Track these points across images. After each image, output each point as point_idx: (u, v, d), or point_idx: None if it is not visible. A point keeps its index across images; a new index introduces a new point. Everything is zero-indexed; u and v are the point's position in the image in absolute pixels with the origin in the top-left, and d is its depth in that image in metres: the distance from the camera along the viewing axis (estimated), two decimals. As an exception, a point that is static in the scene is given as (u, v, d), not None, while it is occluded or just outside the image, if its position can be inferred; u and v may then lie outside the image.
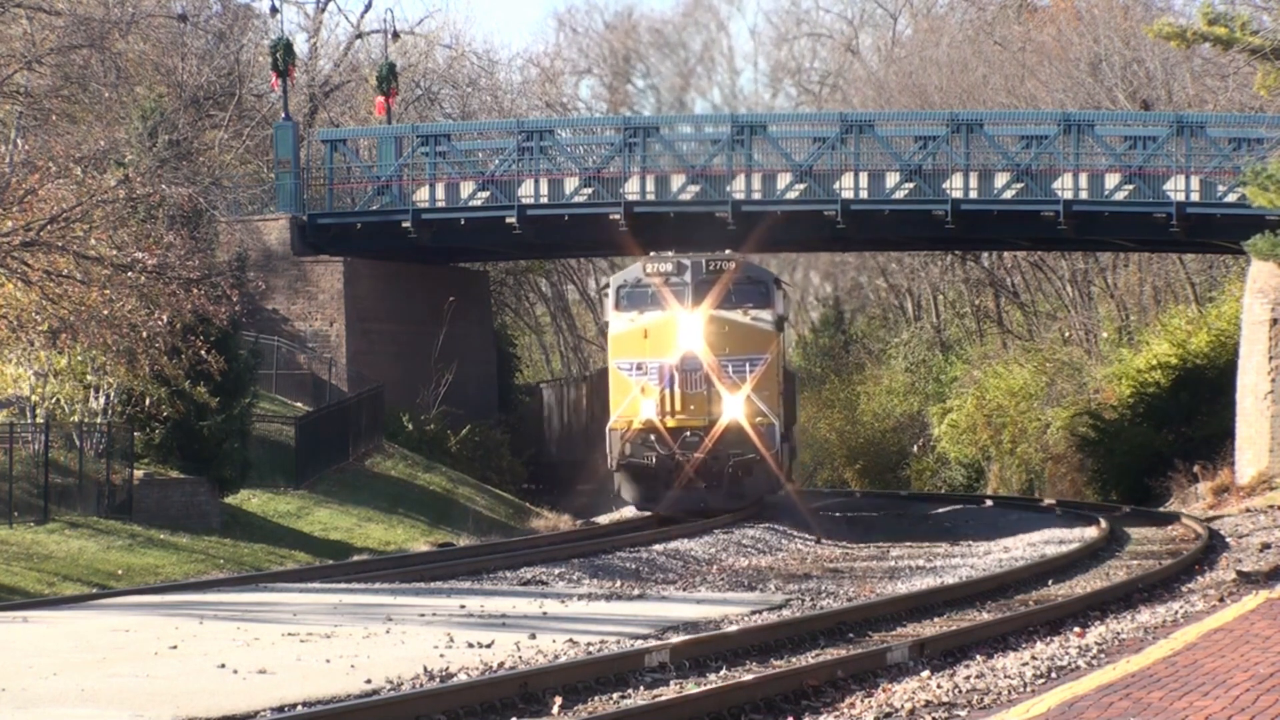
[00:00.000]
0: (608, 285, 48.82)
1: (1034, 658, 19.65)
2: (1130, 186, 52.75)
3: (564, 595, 27.85)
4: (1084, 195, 52.93)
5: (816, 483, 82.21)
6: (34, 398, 41.42)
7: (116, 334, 36.48)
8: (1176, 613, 24.29)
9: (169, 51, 66.23)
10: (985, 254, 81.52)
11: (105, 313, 35.89)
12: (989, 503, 61.17)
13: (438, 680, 18.32)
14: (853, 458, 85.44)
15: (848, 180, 54.60)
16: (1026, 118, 61.29)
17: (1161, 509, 52.82)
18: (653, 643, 20.38)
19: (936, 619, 24.86)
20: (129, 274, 36.55)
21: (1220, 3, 39.47)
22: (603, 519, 51.57)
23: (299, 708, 16.63)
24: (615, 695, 17.79)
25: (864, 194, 54.53)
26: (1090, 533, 42.08)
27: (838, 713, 16.99)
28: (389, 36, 72.65)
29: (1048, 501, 59.35)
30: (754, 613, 25.36)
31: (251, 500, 47.74)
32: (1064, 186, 52.96)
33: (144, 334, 36.91)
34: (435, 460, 57.22)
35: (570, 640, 21.35)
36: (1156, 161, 52.33)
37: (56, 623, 24.53)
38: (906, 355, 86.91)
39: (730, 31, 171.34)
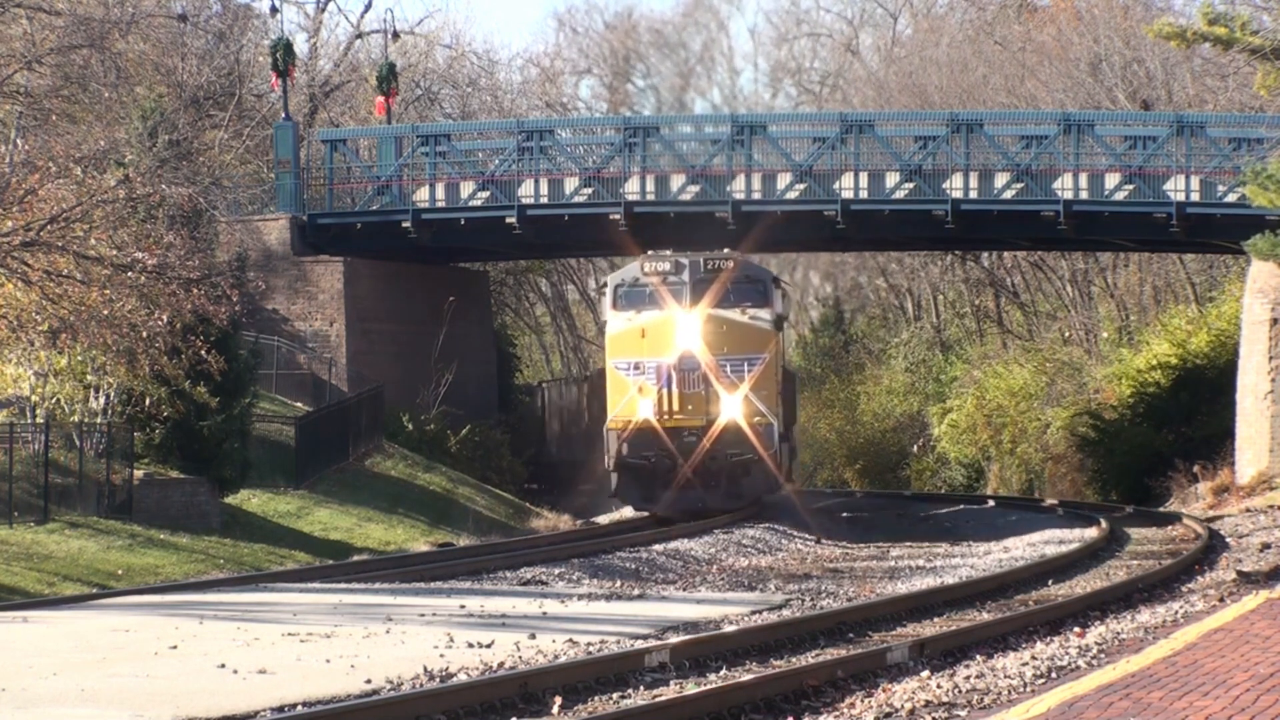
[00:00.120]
0: (605, 284, 48.70)
1: (1034, 658, 19.65)
2: (1130, 186, 52.75)
3: (564, 595, 27.84)
4: (1084, 195, 52.93)
5: (816, 483, 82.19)
6: (34, 398, 41.42)
7: (116, 334, 36.48)
8: (1176, 613, 24.29)
9: (169, 51, 66.23)
10: (985, 254, 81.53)
11: (105, 313, 35.89)
12: (991, 503, 61.13)
13: (438, 680, 18.32)
14: (853, 458, 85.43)
15: (848, 180, 54.59)
16: (1026, 118, 61.29)
17: (1162, 509, 52.81)
18: (653, 643, 20.38)
19: (936, 619, 24.85)
20: (129, 274, 36.55)
21: (1220, 3, 39.47)
22: (603, 519, 51.56)
23: (299, 708, 16.62)
24: (615, 695, 17.79)
25: (864, 194, 54.52)
26: (1090, 533, 42.07)
27: (838, 713, 16.99)
28: (389, 36, 72.66)
29: (1050, 501, 59.34)
30: (754, 613, 25.36)
31: (251, 500, 47.74)
32: (1064, 186, 52.96)
33: (144, 334, 36.91)
34: (435, 460, 57.21)
35: (570, 640, 21.35)
36: (1156, 161, 52.33)
37: (56, 623, 24.53)
38: (906, 355, 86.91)
39: (730, 31, 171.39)
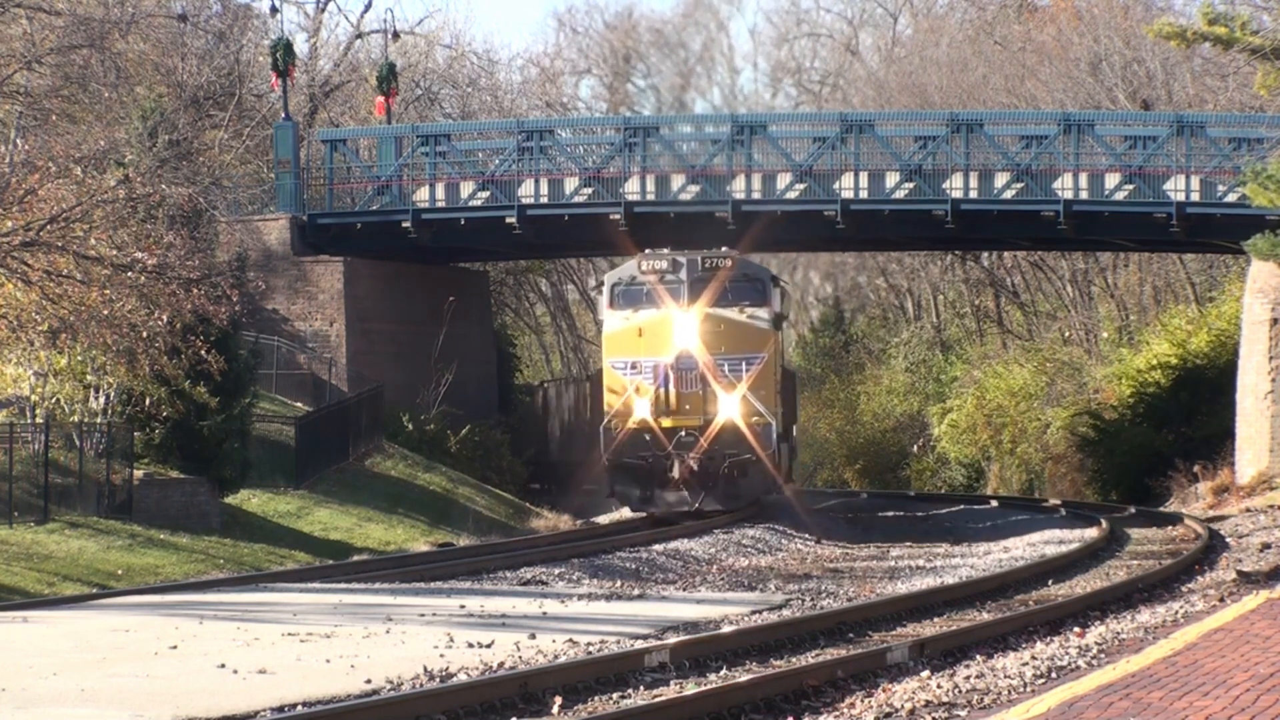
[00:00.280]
0: (602, 283, 48.55)
1: (1034, 658, 19.65)
2: (1130, 186, 52.74)
3: (564, 595, 27.84)
4: (1084, 195, 52.92)
5: (816, 482, 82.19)
6: (34, 398, 41.41)
7: (116, 334, 36.47)
8: (1176, 613, 24.29)
9: (169, 51, 66.22)
10: (985, 254, 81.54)
11: (105, 313, 35.87)
12: (994, 503, 61.09)
13: (438, 680, 18.32)
14: (853, 458, 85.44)
15: (848, 180, 54.57)
16: (1026, 118, 61.29)
17: (1162, 509, 52.81)
18: (653, 643, 20.38)
19: (936, 619, 24.85)
20: (129, 274, 36.54)
21: (1220, 3, 39.45)
22: (603, 519, 51.52)
23: (299, 708, 16.63)
24: (615, 695, 17.79)
25: (864, 194, 54.51)
26: (1090, 533, 42.07)
27: (838, 713, 16.99)
28: (389, 36, 72.66)
29: (1053, 501, 59.30)
30: (754, 613, 25.36)
31: (251, 500, 47.73)
32: (1064, 186, 52.95)
33: (144, 334, 36.89)
34: (435, 460, 57.21)
35: (570, 640, 21.35)
36: (1156, 161, 52.32)
37: (56, 623, 24.53)
38: (906, 355, 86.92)
39: (730, 31, 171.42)
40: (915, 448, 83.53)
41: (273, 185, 60.80)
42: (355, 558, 40.93)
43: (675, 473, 45.26)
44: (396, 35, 73.80)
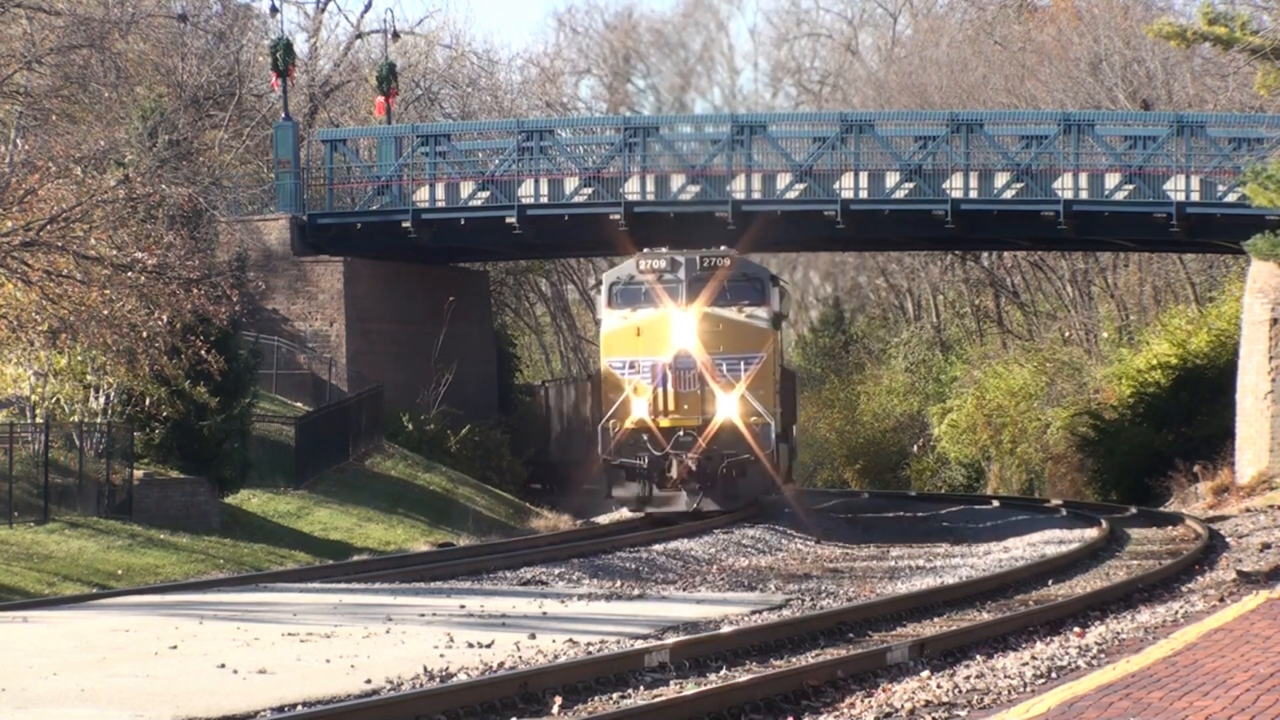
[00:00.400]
0: (600, 282, 48.41)
1: (1034, 658, 19.65)
2: (1130, 186, 52.74)
3: (564, 595, 27.85)
4: (1084, 195, 52.92)
5: (816, 482, 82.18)
6: (34, 398, 41.40)
7: (116, 334, 36.46)
8: (1176, 613, 24.29)
9: (169, 51, 66.21)
10: (985, 254, 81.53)
11: (105, 313, 35.87)
12: (995, 503, 61.06)
13: (438, 680, 18.32)
14: (853, 458, 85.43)
15: (848, 180, 54.56)
16: (1026, 118, 61.29)
17: (1162, 509, 52.81)
18: (653, 643, 20.38)
19: (936, 619, 24.86)
20: (129, 274, 36.53)
21: (1220, 2, 39.44)
22: (603, 519, 51.48)
23: (299, 708, 16.63)
24: (615, 695, 17.79)
25: (864, 194, 54.50)
26: (1090, 533, 42.06)
27: (838, 713, 16.99)
28: (389, 36, 72.65)
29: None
30: (754, 613, 25.37)
31: (251, 500, 47.73)
32: (1064, 186, 52.95)
33: (144, 334, 36.89)
34: (435, 460, 57.20)
35: (570, 640, 21.35)
36: (1156, 161, 52.32)
37: (56, 623, 24.53)
38: (906, 355, 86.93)
39: (730, 31, 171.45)
40: (915, 448, 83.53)
41: (273, 185, 60.79)
42: (355, 558, 40.93)
43: (673, 473, 45.08)
44: (396, 35, 73.80)
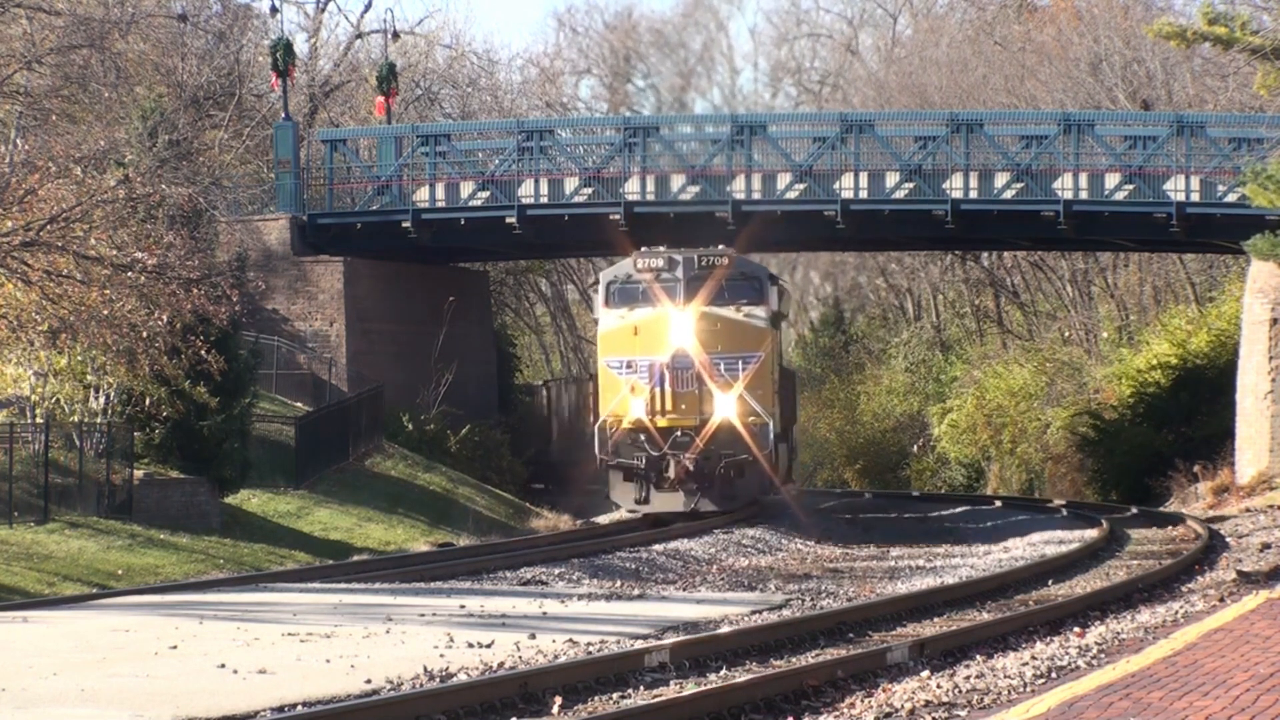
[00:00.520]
0: (597, 281, 48.19)
1: (1034, 658, 19.65)
2: (1130, 186, 52.74)
3: (564, 595, 27.84)
4: (1084, 195, 52.92)
5: (816, 483, 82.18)
6: (34, 398, 41.41)
7: (116, 334, 36.46)
8: (1176, 613, 24.29)
9: (169, 51, 66.21)
10: (985, 254, 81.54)
11: (105, 313, 35.87)
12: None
13: (438, 680, 18.32)
14: (853, 458, 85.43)
15: (848, 180, 54.56)
16: (1026, 118, 61.30)
17: (1162, 509, 52.81)
18: (653, 643, 20.38)
19: (936, 619, 24.85)
20: (129, 274, 36.53)
21: (1220, 3, 39.44)
22: (603, 519, 51.44)
23: (299, 708, 16.63)
24: (615, 695, 17.79)
25: (864, 194, 54.50)
26: (1090, 533, 42.06)
27: (838, 713, 16.99)
28: (389, 36, 72.65)
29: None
30: (754, 613, 25.36)
31: (251, 500, 47.73)
32: (1064, 186, 52.95)
33: (144, 334, 36.89)
34: (435, 460, 57.20)
35: (570, 640, 21.35)
36: (1156, 161, 52.33)
37: (56, 623, 24.53)
38: (906, 355, 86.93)
39: (730, 31, 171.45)
40: (915, 448, 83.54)
41: (273, 185, 60.80)
42: (355, 558, 40.93)
43: (671, 473, 44.81)
44: (396, 35, 73.80)
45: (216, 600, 27.40)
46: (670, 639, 20.81)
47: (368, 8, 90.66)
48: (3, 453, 39.03)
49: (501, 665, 19.32)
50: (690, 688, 17.91)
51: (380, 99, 64.01)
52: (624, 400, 45.12)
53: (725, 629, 22.55)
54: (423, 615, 24.38)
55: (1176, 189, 51.82)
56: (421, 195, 58.26)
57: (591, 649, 20.70)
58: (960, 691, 17.53)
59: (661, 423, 44.95)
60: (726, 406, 44.92)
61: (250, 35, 73.65)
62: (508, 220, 56.74)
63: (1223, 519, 45.70)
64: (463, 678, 18.38)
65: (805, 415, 77.44)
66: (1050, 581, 30.47)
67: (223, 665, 19.41)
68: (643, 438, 44.93)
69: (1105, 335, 74.68)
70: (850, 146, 54.82)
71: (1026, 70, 79.16)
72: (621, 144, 56.42)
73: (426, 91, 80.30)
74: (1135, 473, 61.47)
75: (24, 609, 27.15)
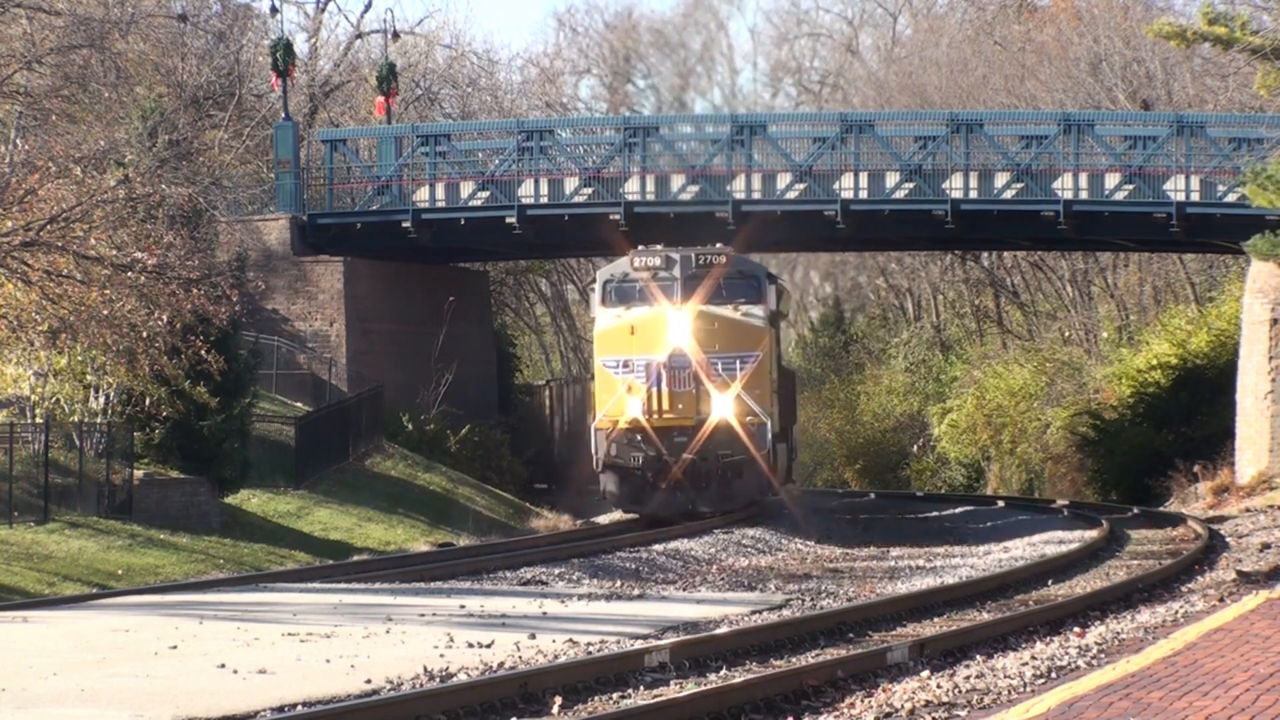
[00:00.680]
0: (594, 280, 47.97)
1: (1034, 658, 19.65)
2: (1130, 186, 52.74)
3: (564, 595, 27.85)
4: (1084, 195, 52.92)
5: (817, 483, 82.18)
6: (34, 398, 41.41)
7: (116, 334, 36.46)
8: (1176, 613, 24.29)
9: (169, 51, 66.20)
10: (985, 254, 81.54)
11: (105, 313, 35.87)
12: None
13: (438, 680, 18.32)
14: (853, 458, 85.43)
15: (848, 180, 54.55)
16: (1026, 118, 61.29)
17: (1163, 509, 52.81)
18: (653, 643, 20.38)
19: (936, 619, 24.85)
20: (129, 274, 36.53)
21: (1220, 3, 39.44)
22: (603, 519, 51.42)
23: (299, 708, 16.63)
24: (615, 695, 17.80)
25: (864, 194, 54.49)
26: (1091, 533, 42.05)
27: (838, 713, 16.99)
28: (389, 36, 72.64)
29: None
30: (754, 613, 25.36)
31: (251, 500, 47.73)
32: (1064, 186, 52.95)
33: (144, 334, 36.89)
34: (435, 460, 57.20)
35: (570, 640, 21.35)
36: (1156, 161, 52.32)
37: (56, 623, 24.53)
38: (906, 355, 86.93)
39: (730, 31, 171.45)
40: (915, 448, 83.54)
41: (273, 185, 60.80)
42: (355, 558, 40.92)
43: (668, 474, 44.66)
44: (396, 35, 73.80)
45: (216, 600, 27.40)
46: (670, 639, 20.81)
47: (368, 8, 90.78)
48: (3, 453, 39.03)
49: (501, 665, 19.32)
50: (690, 688, 17.91)
51: (380, 99, 64.01)
52: (620, 400, 44.92)
53: (725, 629, 22.55)
54: (423, 615, 24.38)
55: (1176, 189, 51.82)
56: (421, 195, 58.25)
57: (591, 649, 20.70)
58: (960, 691, 17.53)
59: (658, 423, 44.68)
60: (724, 406, 44.68)
61: (250, 35, 73.65)
62: (508, 220, 56.74)
63: (1223, 519, 45.70)
64: (463, 678, 18.39)
65: (805, 415, 77.41)
66: (1050, 581, 30.48)
67: (223, 665, 19.41)
68: (639, 438, 44.72)
69: (1105, 335, 74.68)
70: (850, 146, 54.81)
71: (1026, 70, 79.16)
72: (621, 144, 56.41)
73: (426, 91, 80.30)
74: (1135, 473, 61.47)
75: (24, 609, 27.16)
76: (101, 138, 47.49)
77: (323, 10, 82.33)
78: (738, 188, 55.33)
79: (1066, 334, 78.10)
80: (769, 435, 45.00)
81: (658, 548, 38.59)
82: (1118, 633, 21.93)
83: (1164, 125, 53.14)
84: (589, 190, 56.54)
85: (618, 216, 55.19)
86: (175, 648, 21.16)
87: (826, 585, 31.11)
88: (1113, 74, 73.09)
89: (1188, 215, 51.60)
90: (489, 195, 57.43)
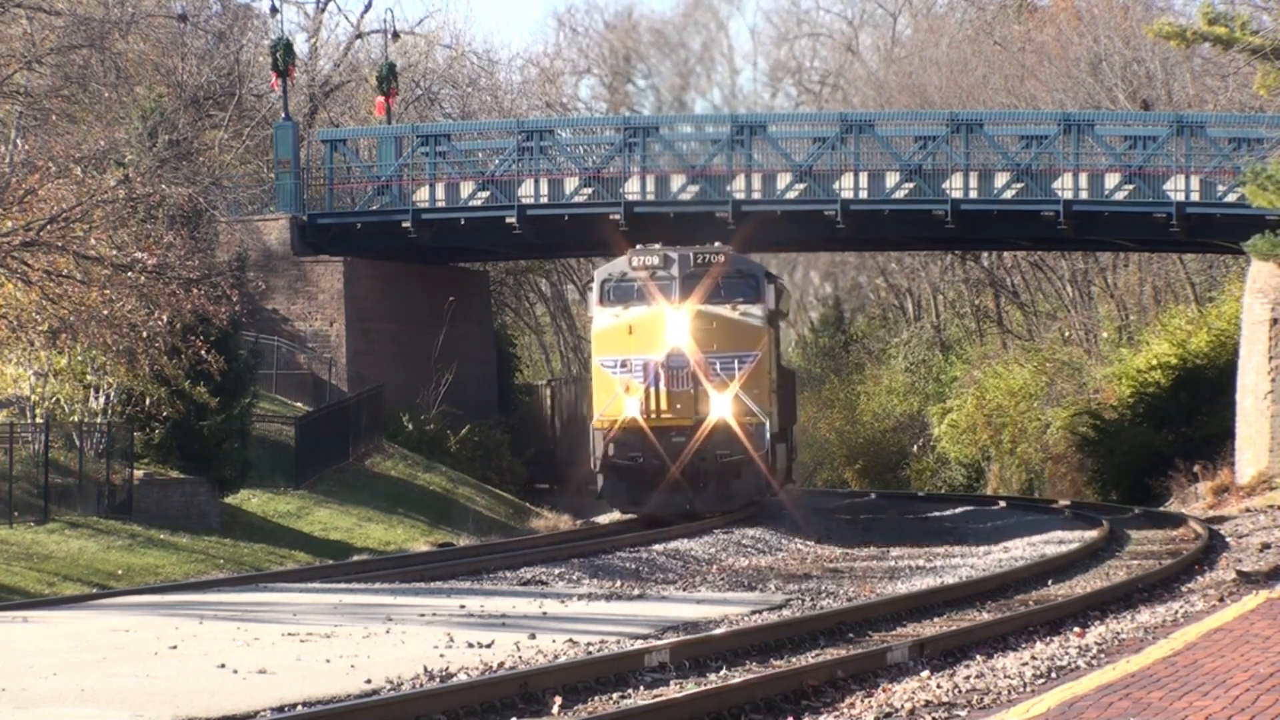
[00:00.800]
0: (592, 279, 47.85)
1: (1034, 658, 19.65)
2: (1130, 186, 52.75)
3: (564, 595, 27.84)
4: (1084, 195, 52.92)
5: (817, 483, 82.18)
6: (34, 398, 41.41)
7: (116, 334, 36.46)
8: (1176, 613, 24.29)
9: (169, 51, 66.20)
10: (985, 254, 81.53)
11: (105, 313, 35.87)
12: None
13: (438, 680, 18.32)
14: (853, 458, 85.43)
15: (848, 180, 54.55)
16: (1026, 118, 61.28)
17: (1163, 509, 52.81)
18: (653, 642, 20.38)
19: (936, 619, 24.85)
20: (129, 274, 36.53)
21: (1220, 3, 39.44)
22: (603, 519, 51.40)
23: (299, 708, 16.63)
24: (615, 695, 17.80)
25: (864, 194, 54.49)
26: (1091, 533, 42.05)
27: (838, 713, 16.99)
28: (389, 36, 72.64)
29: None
30: (754, 612, 25.36)
31: (251, 500, 47.73)
32: (1064, 186, 52.95)
33: (144, 334, 36.89)
34: (435, 460, 57.20)
35: (570, 640, 21.35)
36: (1156, 161, 52.32)
37: (56, 623, 24.53)
38: (906, 355, 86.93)
39: (730, 31, 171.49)
40: (915, 448, 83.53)
41: (273, 185, 60.80)
42: (355, 558, 40.92)
43: (666, 474, 44.56)
44: (396, 35, 73.80)
45: (216, 600, 27.40)
46: (670, 639, 20.82)
47: (368, 8, 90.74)
48: (3, 453, 39.03)
49: (501, 665, 19.32)
50: (690, 688, 17.91)
51: (380, 99, 64.01)
52: (618, 400, 44.79)
53: (725, 629, 22.55)
54: (423, 615, 24.38)
55: (1176, 189, 51.82)
56: (421, 195, 58.26)
57: (591, 649, 20.70)
58: (960, 691, 17.53)
59: (656, 423, 44.49)
60: (722, 406, 44.53)
61: (250, 35, 73.65)
62: (508, 220, 56.74)
63: (1223, 519, 45.69)
64: (463, 678, 18.39)
65: (805, 415, 77.40)
66: (1050, 581, 30.47)
67: (223, 665, 19.41)
68: (638, 438, 44.59)
69: (1105, 335, 74.68)
70: (850, 146, 54.81)
71: (1026, 70, 79.15)
72: (621, 144, 56.41)
73: (426, 91, 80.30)
74: (1135, 473, 61.46)
75: (24, 609, 27.16)
76: (101, 138, 47.49)
77: (323, 10, 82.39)
78: (738, 188, 55.33)
79: (1066, 334, 78.10)
80: (767, 435, 44.86)
81: (658, 548, 38.59)
82: (1118, 633, 21.93)
83: (1164, 125, 53.14)
84: (589, 190, 56.54)
85: (618, 216, 55.19)
86: (175, 648, 21.16)
87: (826, 585, 31.11)
88: (1113, 74, 73.09)
89: (1188, 215, 51.60)
90: (489, 195, 57.43)
